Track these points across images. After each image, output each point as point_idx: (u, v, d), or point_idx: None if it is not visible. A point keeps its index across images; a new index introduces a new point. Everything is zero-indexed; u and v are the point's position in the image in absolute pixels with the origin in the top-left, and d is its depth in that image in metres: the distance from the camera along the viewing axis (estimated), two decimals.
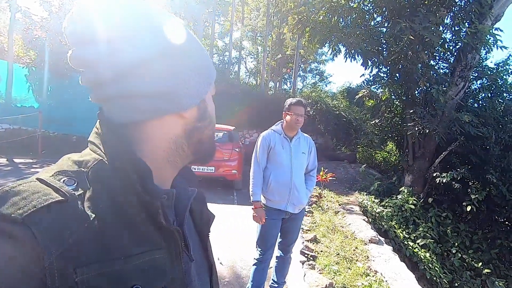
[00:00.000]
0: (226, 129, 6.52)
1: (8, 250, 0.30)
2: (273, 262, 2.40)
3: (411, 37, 5.08)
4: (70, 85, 10.33)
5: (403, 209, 5.77)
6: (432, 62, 6.44)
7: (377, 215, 5.46)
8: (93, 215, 0.35)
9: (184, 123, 0.46)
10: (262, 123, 11.50)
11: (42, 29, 10.83)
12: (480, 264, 5.08)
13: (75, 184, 0.37)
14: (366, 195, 6.43)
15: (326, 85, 27.67)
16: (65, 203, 0.34)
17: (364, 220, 4.80)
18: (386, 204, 6.00)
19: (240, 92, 12.80)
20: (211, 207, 0.64)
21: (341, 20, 6.84)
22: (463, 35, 5.71)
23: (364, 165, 8.93)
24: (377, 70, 6.85)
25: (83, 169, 0.40)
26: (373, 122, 7.69)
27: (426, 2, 6.20)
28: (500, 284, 4.80)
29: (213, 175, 5.96)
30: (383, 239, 4.29)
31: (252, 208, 2.22)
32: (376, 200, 6.11)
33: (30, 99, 10.49)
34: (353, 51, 6.48)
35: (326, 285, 2.69)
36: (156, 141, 0.45)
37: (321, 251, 3.49)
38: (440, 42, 5.83)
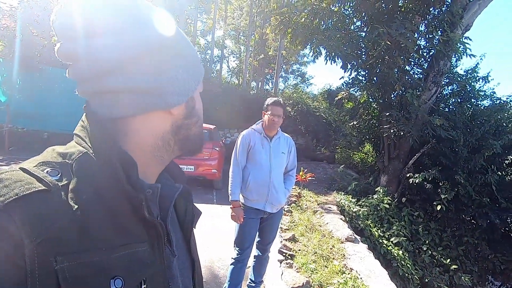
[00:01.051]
0: (207, 128, 6.44)
1: None
2: (251, 262, 2.40)
3: (388, 43, 5.27)
4: (41, 78, 9.77)
5: (378, 208, 5.97)
6: (407, 67, 6.72)
7: (354, 214, 5.61)
8: (76, 206, 0.35)
9: (171, 120, 0.47)
10: (243, 122, 11.49)
11: (11, 18, 10.19)
12: (448, 260, 5.36)
13: (59, 175, 0.37)
14: (344, 194, 6.59)
15: (307, 87, 28.09)
16: (48, 193, 0.34)
17: (341, 219, 4.91)
18: (363, 203, 6.18)
19: (221, 91, 12.72)
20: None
21: (322, 23, 6.97)
22: (436, 42, 6.00)
23: (343, 166, 9.16)
24: (356, 73, 7.05)
25: (67, 161, 0.39)
26: (352, 123, 7.91)
27: (403, 10, 6.46)
28: (466, 279, 5.09)
29: (192, 174, 5.87)
30: (359, 237, 4.41)
31: (231, 207, 2.20)
32: (353, 200, 6.28)
33: None
34: (333, 54, 6.62)
35: (303, 283, 2.73)
36: (142, 136, 0.45)
37: (299, 250, 3.53)
38: (415, 48, 6.09)
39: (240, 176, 2.24)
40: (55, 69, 9.01)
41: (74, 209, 0.35)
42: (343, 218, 5.05)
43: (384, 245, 5.11)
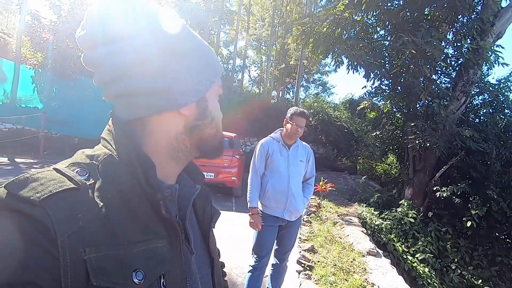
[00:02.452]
0: (227, 136, 6.54)
1: (27, 228, 0.33)
2: (268, 270, 2.38)
3: (413, 51, 5.14)
4: (74, 87, 10.42)
5: (402, 222, 5.72)
6: (434, 76, 6.50)
7: (376, 227, 5.42)
8: (101, 203, 0.38)
9: (183, 121, 0.48)
10: (263, 131, 11.51)
11: (50, 32, 11.00)
12: (480, 281, 5.00)
13: (87, 175, 0.41)
14: (366, 206, 6.38)
15: (328, 96, 27.88)
16: (77, 191, 0.38)
17: (362, 231, 4.76)
18: (386, 216, 5.95)
19: (242, 100, 12.89)
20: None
21: (344, 32, 6.94)
22: (465, 50, 5.78)
23: (364, 177, 8.90)
24: (379, 82, 6.91)
25: (94, 162, 0.43)
26: (374, 134, 7.71)
27: (429, 18, 6.30)
28: None
29: (212, 181, 5.95)
30: (382, 251, 4.24)
31: (249, 214, 2.21)
32: (376, 212, 6.07)
33: (35, 99, 10.58)
34: (355, 63, 6.55)
35: None
36: (158, 137, 0.47)
37: (318, 261, 3.45)
38: (442, 57, 5.89)
39: (258, 183, 2.26)
40: (87, 78, 9.57)
41: (99, 206, 0.38)
42: (365, 231, 4.88)
43: (409, 261, 4.87)
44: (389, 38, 6.85)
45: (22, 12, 10.59)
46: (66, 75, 10.44)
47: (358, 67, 6.64)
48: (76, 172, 0.40)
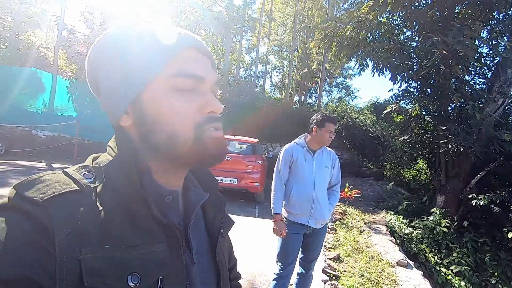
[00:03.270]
0: (250, 142, 6.56)
1: (27, 226, 0.35)
2: (293, 279, 2.33)
3: (444, 52, 4.90)
4: None
5: (434, 231, 5.40)
6: (467, 77, 6.14)
7: (406, 236, 5.15)
8: (101, 206, 0.39)
9: (131, 132, 0.47)
10: (285, 136, 11.45)
11: (84, 44, 11.74)
12: None
13: (93, 178, 0.42)
14: (394, 214, 6.11)
15: (352, 100, 27.22)
16: (81, 193, 0.39)
17: (391, 241, 4.55)
18: (416, 225, 5.65)
19: (264, 106, 12.92)
20: (232, 218, 0.64)
21: (369, 34, 6.78)
22: (501, 49, 5.41)
23: (392, 183, 8.53)
24: (406, 85, 6.64)
25: (101, 166, 0.45)
26: (402, 138, 7.39)
27: (460, 16, 6.00)
28: None
29: (235, 187, 5.98)
30: (412, 262, 4.02)
31: (273, 221, 2.19)
32: (405, 221, 5.78)
33: (70, 108, 11.29)
34: (381, 66, 6.35)
35: None
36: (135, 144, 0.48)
37: (345, 271, 3.33)
38: (475, 57, 5.55)
39: (282, 189, 2.23)
40: None
41: (99, 209, 0.39)
42: (394, 240, 4.66)
43: (443, 274, 4.57)
44: (416, 39, 6.59)
45: (59, 27, 11.39)
46: None
47: (384, 70, 6.42)
48: (83, 175, 0.42)
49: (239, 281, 0.72)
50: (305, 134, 2.33)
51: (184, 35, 0.45)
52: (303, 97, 24.09)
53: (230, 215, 0.64)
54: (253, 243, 3.99)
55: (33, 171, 7.01)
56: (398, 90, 6.79)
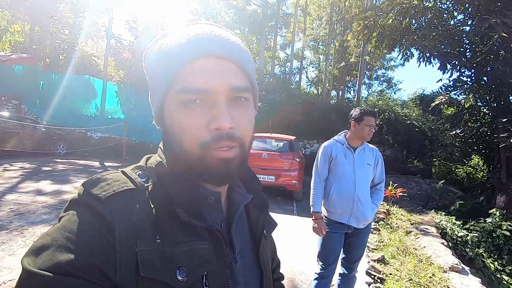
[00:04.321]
0: (287, 139, 6.51)
1: (93, 219, 0.38)
2: (335, 280, 2.26)
3: (504, 34, 4.38)
4: (148, 99, 11.71)
5: (494, 235, 4.88)
6: None
7: (460, 239, 4.73)
8: (153, 204, 0.43)
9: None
10: (323, 133, 11.17)
11: (129, 51, 12.60)
12: None
13: (146, 177, 0.45)
14: (445, 215, 5.64)
15: (394, 93, 25.70)
16: (136, 191, 0.42)
17: (442, 243, 4.21)
18: (471, 227, 5.16)
19: (301, 102, 12.71)
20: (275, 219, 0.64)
21: (413, 21, 6.31)
22: None
23: (442, 181, 7.87)
24: (458, 74, 6.09)
25: (153, 166, 0.48)
26: (454, 132, 6.78)
27: None
28: None
29: (273, 184, 5.98)
30: (468, 268, 3.68)
31: (312, 219, 2.14)
32: (458, 222, 5.31)
33: (118, 111, 12.22)
34: (428, 54, 5.89)
35: None
36: None
37: (390, 274, 3.16)
38: None
39: (321, 187, 2.17)
40: None
41: (151, 206, 0.42)
42: (445, 243, 4.31)
43: (504, 282, 4.12)
44: (469, 23, 5.97)
45: (108, 37, 12.35)
46: (142, 89, 11.81)
47: (432, 59, 5.95)
48: (138, 174, 0.45)
49: (282, 282, 0.72)
50: (345, 131, 2.25)
51: (195, 44, 0.43)
52: (341, 92, 23.28)
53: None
54: (292, 241, 3.96)
55: (89, 169, 7.73)
56: (448, 80, 6.26)
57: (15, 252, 2.77)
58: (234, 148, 0.44)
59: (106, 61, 12.24)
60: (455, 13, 6.31)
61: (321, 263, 2.15)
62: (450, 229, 4.92)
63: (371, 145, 2.24)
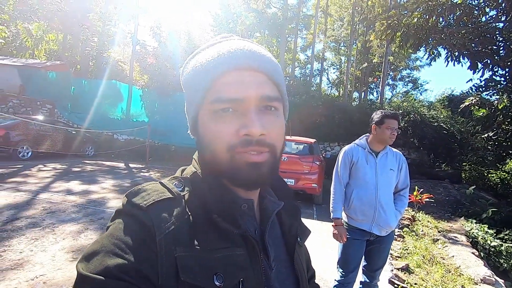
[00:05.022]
0: (307, 142, 6.43)
1: (136, 227, 0.41)
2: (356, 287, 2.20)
3: None
4: (172, 103, 12.05)
5: None
6: None
7: (493, 249, 4.43)
8: (189, 212, 0.45)
9: None
10: (344, 135, 10.94)
11: (153, 56, 13.04)
12: None
13: (182, 187, 0.48)
14: (476, 223, 5.32)
15: (420, 94, 24.73)
16: (174, 200, 0.45)
17: (473, 253, 3.97)
18: (506, 236, 4.82)
19: (321, 104, 12.53)
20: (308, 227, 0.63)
21: (441, 19, 6.04)
22: None
23: (473, 187, 7.43)
24: (490, 73, 5.75)
25: (188, 177, 0.51)
26: (486, 135, 6.40)
27: None
28: None
29: (292, 188, 5.93)
30: (502, 281, 3.43)
31: (332, 225, 2.10)
32: (491, 231, 4.98)
33: (142, 114, 12.67)
34: (457, 53, 5.62)
35: None
36: None
37: (415, 284, 3.02)
38: None
39: (342, 193, 2.12)
40: (181, 94, 10.98)
41: (188, 214, 0.44)
42: (476, 253, 4.06)
43: None
44: (503, 19, 5.63)
45: (133, 43, 12.87)
46: (165, 93, 12.18)
47: (461, 58, 5.67)
48: (174, 184, 0.48)
49: None
50: (367, 134, 2.18)
51: (227, 59, 0.46)
52: (363, 94, 22.71)
53: None
54: (311, 246, 3.90)
55: (114, 170, 8.06)
56: (480, 79, 5.93)
57: (46, 249, 2.94)
58: (264, 153, 0.46)
59: (131, 66, 12.76)
60: (487, 9, 5.97)
61: (341, 270, 2.10)
62: (482, 238, 4.63)
63: (394, 149, 2.16)
